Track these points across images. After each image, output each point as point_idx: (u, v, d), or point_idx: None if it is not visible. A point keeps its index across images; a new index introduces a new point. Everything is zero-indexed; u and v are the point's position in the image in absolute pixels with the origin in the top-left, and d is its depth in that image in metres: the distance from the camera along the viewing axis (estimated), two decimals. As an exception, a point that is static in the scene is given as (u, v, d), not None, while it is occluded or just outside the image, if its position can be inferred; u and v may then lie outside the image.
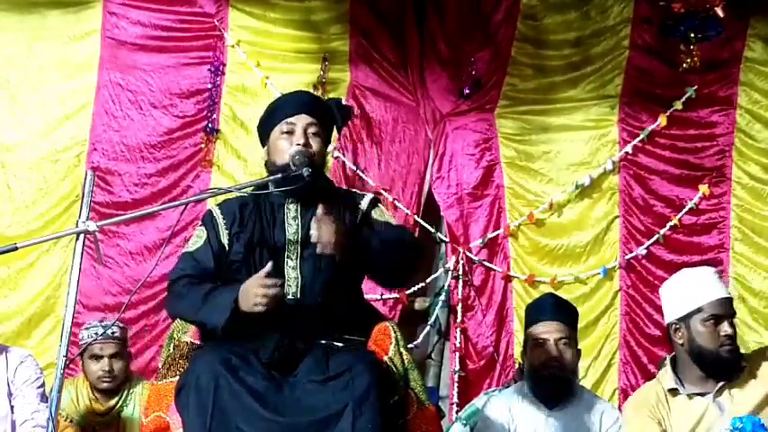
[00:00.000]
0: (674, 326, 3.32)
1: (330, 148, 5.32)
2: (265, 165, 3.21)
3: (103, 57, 5.28)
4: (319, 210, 2.85)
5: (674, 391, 3.31)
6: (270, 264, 2.86)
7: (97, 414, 4.19)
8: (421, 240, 3.26)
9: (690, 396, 3.28)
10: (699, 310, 3.26)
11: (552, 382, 3.55)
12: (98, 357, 4.15)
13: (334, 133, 3.30)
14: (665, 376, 3.37)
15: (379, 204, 3.21)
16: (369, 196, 3.21)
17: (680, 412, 3.28)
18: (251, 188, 3.14)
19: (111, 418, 4.20)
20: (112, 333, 4.15)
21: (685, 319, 3.28)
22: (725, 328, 3.23)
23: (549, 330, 3.58)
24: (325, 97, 5.32)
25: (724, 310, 3.27)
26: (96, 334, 4.13)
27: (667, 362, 3.44)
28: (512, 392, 3.76)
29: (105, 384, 4.16)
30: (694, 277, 3.37)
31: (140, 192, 5.25)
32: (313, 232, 2.82)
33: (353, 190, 3.48)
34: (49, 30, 5.27)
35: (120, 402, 4.20)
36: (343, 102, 3.35)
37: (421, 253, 3.29)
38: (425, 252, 3.33)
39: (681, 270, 3.52)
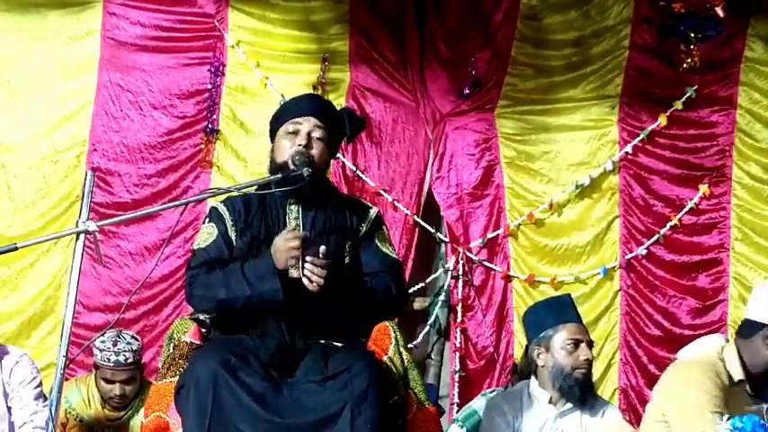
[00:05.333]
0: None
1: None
2: (270, 163, 3.22)
3: (103, 57, 5.27)
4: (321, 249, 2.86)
5: (736, 382, 3.27)
6: (292, 224, 2.90)
7: (108, 419, 4.15)
8: (404, 289, 3.27)
9: (750, 395, 3.28)
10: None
11: (584, 383, 3.55)
12: (110, 381, 4.05)
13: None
14: (735, 365, 3.29)
15: (383, 227, 3.21)
16: (374, 211, 3.22)
17: (736, 402, 3.25)
18: (251, 188, 3.14)
19: (120, 423, 4.16)
20: (125, 360, 4.01)
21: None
22: None
23: (581, 331, 3.59)
24: (326, 98, 5.34)
25: None
26: (108, 360, 3.98)
27: (735, 351, 3.34)
28: (516, 393, 3.74)
29: (115, 404, 4.10)
30: None
31: (140, 192, 5.24)
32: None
33: (359, 198, 3.47)
34: (49, 30, 5.26)
35: (132, 411, 4.13)
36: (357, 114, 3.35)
37: (399, 309, 3.24)
38: (405, 304, 3.35)
39: None
